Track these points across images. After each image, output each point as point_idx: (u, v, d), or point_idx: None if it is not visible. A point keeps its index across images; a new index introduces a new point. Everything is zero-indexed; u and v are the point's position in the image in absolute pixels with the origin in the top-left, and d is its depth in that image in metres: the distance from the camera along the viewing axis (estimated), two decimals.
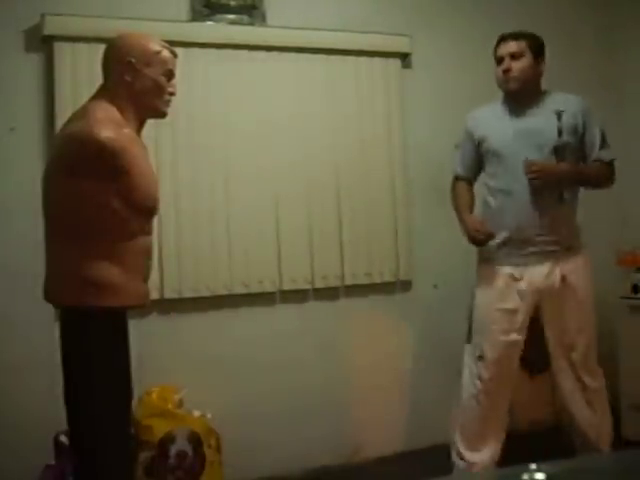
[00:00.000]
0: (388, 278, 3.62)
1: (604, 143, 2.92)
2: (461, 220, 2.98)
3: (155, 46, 2.21)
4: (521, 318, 2.89)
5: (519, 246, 2.85)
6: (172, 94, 2.25)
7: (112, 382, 2.17)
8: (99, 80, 3.25)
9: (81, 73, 3.10)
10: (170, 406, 3.05)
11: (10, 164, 3.07)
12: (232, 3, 3.40)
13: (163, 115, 2.28)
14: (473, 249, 3.77)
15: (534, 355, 3.86)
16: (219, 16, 3.38)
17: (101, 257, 2.08)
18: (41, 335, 3.06)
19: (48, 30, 3.05)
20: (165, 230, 3.22)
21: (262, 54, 3.42)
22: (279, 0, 3.48)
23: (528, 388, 3.87)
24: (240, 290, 3.35)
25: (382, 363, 3.57)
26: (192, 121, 3.29)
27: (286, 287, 3.44)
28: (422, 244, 3.68)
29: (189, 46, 3.28)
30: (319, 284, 3.50)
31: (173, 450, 2.92)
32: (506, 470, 1.28)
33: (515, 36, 2.85)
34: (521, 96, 2.87)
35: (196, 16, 3.34)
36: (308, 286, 3.49)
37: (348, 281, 3.55)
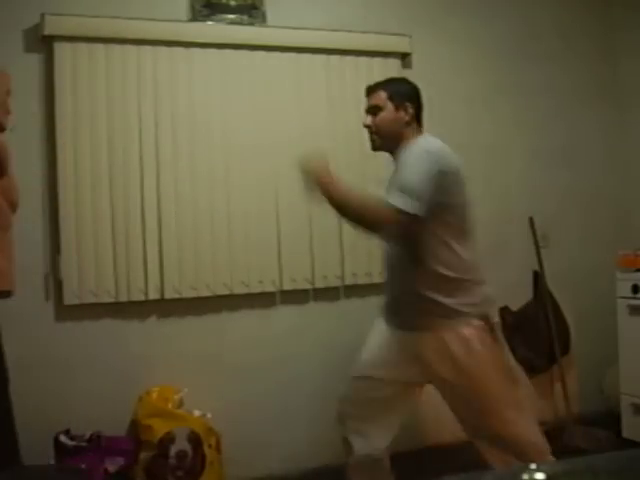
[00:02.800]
0: None
1: (406, 192, 2.29)
2: None
3: None
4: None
5: None
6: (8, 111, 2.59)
7: None
8: (99, 80, 3.27)
9: (81, 73, 3.11)
10: (170, 406, 3.05)
11: (10, 163, 3.06)
12: (232, 3, 3.41)
13: (3, 129, 2.57)
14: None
15: (533, 355, 3.87)
16: (219, 16, 3.38)
17: None
18: (42, 335, 3.07)
19: (48, 30, 3.05)
20: (165, 231, 3.22)
21: (262, 54, 3.42)
22: (279, 0, 3.48)
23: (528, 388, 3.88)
24: (240, 290, 3.35)
25: None
26: (192, 121, 3.29)
27: (286, 287, 3.44)
28: None
29: (189, 46, 3.29)
30: (319, 284, 3.50)
31: (173, 450, 2.92)
32: (506, 470, 1.28)
33: (373, 88, 2.63)
34: (390, 151, 2.61)
35: (196, 16, 3.35)
36: (308, 286, 3.49)
37: (348, 281, 3.55)
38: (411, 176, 2.34)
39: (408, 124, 2.58)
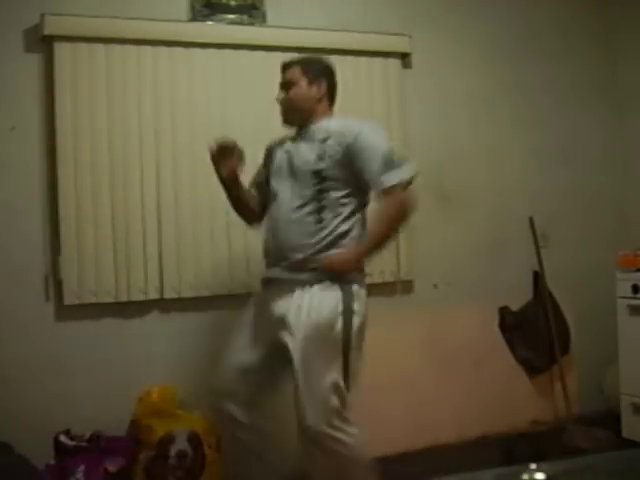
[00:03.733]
0: (389, 278, 3.61)
1: (386, 166, 2.48)
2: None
3: None
4: None
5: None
6: None
7: None
8: (99, 80, 3.26)
9: (81, 73, 3.10)
10: (170, 406, 3.05)
11: (10, 164, 3.07)
12: (232, 3, 3.41)
13: None
14: (475, 249, 3.79)
15: (533, 355, 3.87)
16: (219, 16, 3.38)
17: None
18: (42, 335, 3.07)
19: (48, 30, 3.05)
20: (165, 231, 3.22)
21: (262, 54, 3.41)
22: (279, 0, 3.48)
23: (528, 388, 3.88)
24: (240, 290, 3.34)
25: (382, 363, 3.56)
26: (192, 121, 3.29)
27: None
28: (423, 244, 3.68)
29: (189, 46, 3.29)
30: None
31: (173, 450, 2.91)
32: (506, 470, 1.28)
33: (288, 64, 2.66)
34: (299, 125, 2.66)
35: (196, 16, 3.35)
36: None
37: None
38: (378, 152, 2.49)
39: (320, 101, 2.63)
